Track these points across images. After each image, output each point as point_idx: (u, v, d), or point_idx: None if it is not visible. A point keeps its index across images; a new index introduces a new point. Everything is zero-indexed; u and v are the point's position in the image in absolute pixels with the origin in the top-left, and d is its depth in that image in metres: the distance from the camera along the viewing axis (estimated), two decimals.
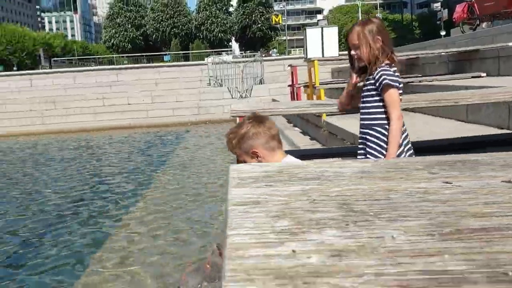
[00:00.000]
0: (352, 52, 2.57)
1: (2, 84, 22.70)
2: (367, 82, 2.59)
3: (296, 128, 10.27)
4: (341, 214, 0.68)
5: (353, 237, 0.59)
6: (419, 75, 9.34)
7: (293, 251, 0.55)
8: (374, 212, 0.69)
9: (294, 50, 57.59)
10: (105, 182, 8.45)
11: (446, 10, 45.02)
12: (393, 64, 2.56)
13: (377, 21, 2.59)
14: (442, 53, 9.43)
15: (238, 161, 2.31)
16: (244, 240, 0.59)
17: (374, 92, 2.56)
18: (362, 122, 2.66)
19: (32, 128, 18.11)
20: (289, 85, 11.91)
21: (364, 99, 2.63)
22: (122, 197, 7.16)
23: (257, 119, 2.13)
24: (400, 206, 0.72)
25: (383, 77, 2.48)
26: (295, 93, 10.80)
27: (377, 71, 2.50)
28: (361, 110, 2.68)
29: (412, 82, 7.92)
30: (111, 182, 8.28)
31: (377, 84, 2.51)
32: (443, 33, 37.97)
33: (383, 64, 2.51)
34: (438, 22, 54.67)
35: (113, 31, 61.26)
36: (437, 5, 63.27)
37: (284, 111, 3.40)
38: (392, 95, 2.50)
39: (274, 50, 46.82)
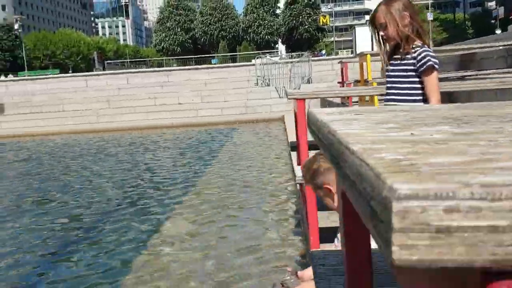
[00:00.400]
0: (381, 33, 2.47)
1: (60, 84, 23.84)
2: (403, 62, 2.47)
3: None
4: (449, 121, 0.66)
5: (472, 128, 0.58)
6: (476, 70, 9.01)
7: (412, 133, 0.54)
8: (483, 120, 0.67)
9: (341, 51, 56.97)
10: (170, 170, 8.79)
11: (502, 8, 43.24)
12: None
13: None
14: (501, 47, 9.05)
15: (315, 194, 2.34)
16: (356, 131, 0.58)
17: (412, 73, 2.45)
18: (390, 103, 2.55)
19: (88, 126, 18.85)
20: (339, 82, 11.79)
21: (397, 79, 2.52)
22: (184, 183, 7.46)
23: None
24: (509, 117, 0.69)
25: (428, 57, 2.39)
26: None
27: (419, 50, 2.41)
28: (389, 91, 2.57)
29: (469, 76, 7.65)
30: (173, 171, 8.56)
31: (419, 64, 2.41)
32: (498, 31, 36.45)
33: (419, 44, 2.43)
34: (493, 21, 52.54)
35: (163, 34, 62.81)
36: (491, 4, 60.81)
37: (342, 93, 3.37)
38: (435, 78, 2.42)
39: (323, 51, 46.43)
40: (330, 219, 3.42)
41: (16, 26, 57.02)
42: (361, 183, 0.35)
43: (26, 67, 51.93)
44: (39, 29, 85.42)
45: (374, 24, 2.50)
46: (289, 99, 3.41)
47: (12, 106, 21.43)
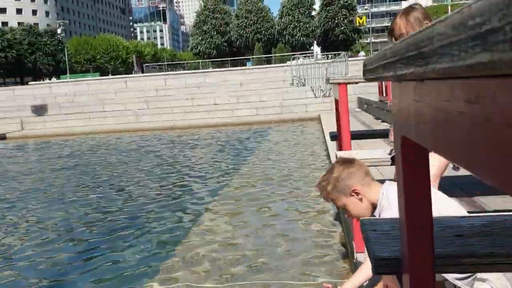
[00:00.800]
0: None
1: (101, 86, 24.58)
2: None
3: (385, 123, 10.05)
4: None
5: None
6: None
7: None
8: None
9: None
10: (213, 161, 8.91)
11: None
12: None
13: (420, 8, 2.51)
14: None
15: (336, 206, 2.33)
16: None
17: None
18: None
19: (128, 125, 19.31)
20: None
21: None
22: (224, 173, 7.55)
23: (346, 160, 2.12)
24: None
25: None
26: (383, 87, 10.54)
27: None
28: None
29: None
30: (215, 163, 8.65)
31: None
32: None
33: None
34: None
35: (200, 38, 63.66)
36: None
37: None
38: None
39: (362, 53, 45.94)
40: None
41: (59, 31, 59.05)
42: (464, 28, 0.33)
43: (68, 70, 53.71)
44: (81, 34, 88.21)
45: (393, 34, 2.52)
46: (332, 83, 3.40)
47: (55, 106, 22.22)
